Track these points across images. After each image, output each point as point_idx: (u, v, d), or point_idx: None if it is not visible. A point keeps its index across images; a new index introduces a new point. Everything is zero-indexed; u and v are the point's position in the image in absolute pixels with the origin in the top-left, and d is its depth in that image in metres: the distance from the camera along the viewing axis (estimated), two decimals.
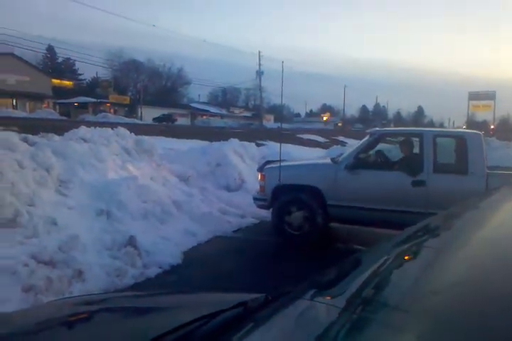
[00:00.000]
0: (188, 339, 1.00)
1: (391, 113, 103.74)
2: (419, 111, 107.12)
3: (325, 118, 75.06)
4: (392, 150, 6.85)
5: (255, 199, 6.30)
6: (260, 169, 6.35)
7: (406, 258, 1.05)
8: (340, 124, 73.25)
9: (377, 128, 6.66)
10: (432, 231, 1.17)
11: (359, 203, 5.48)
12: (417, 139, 5.68)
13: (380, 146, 6.28)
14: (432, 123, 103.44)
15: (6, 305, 3.16)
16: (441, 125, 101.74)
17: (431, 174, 5.27)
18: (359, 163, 5.62)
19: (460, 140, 5.56)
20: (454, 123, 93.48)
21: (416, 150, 5.79)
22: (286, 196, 5.85)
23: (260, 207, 6.34)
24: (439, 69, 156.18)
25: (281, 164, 5.86)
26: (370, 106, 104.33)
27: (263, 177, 6.14)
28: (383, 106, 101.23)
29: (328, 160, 6.13)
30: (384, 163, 5.89)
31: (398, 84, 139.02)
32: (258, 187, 6.38)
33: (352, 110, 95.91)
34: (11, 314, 1.52)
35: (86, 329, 1.31)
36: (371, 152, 5.93)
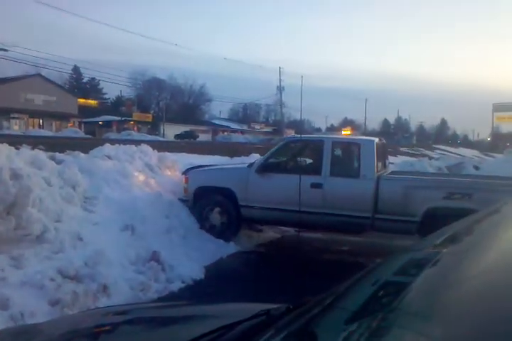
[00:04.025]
0: None
1: (414, 126, 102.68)
2: (443, 124, 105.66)
3: (346, 133, 74.49)
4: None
5: (180, 200, 6.48)
6: (185, 172, 6.77)
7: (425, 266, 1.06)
8: None
9: (288, 136, 7.16)
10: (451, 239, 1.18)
11: (265, 204, 5.91)
12: (319, 145, 6.03)
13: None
14: (455, 136, 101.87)
15: (34, 318, 3.23)
16: (466, 137, 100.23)
17: (327, 177, 5.70)
18: (267, 166, 6.05)
19: (355, 146, 5.96)
20: (478, 135, 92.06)
21: (318, 155, 6.13)
22: (205, 197, 6.27)
23: None
24: (462, 81, 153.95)
25: (204, 168, 6.61)
26: (392, 120, 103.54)
27: (186, 179, 6.54)
28: (405, 119, 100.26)
29: (245, 165, 6.55)
30: (288, 167, 6.22)
31: (421, 96, 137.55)
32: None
33: (373, 124, 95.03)
34: (40, 324, 1.57)
35: (112, 339, 1.35)
36: (281, 157, 6.40)
